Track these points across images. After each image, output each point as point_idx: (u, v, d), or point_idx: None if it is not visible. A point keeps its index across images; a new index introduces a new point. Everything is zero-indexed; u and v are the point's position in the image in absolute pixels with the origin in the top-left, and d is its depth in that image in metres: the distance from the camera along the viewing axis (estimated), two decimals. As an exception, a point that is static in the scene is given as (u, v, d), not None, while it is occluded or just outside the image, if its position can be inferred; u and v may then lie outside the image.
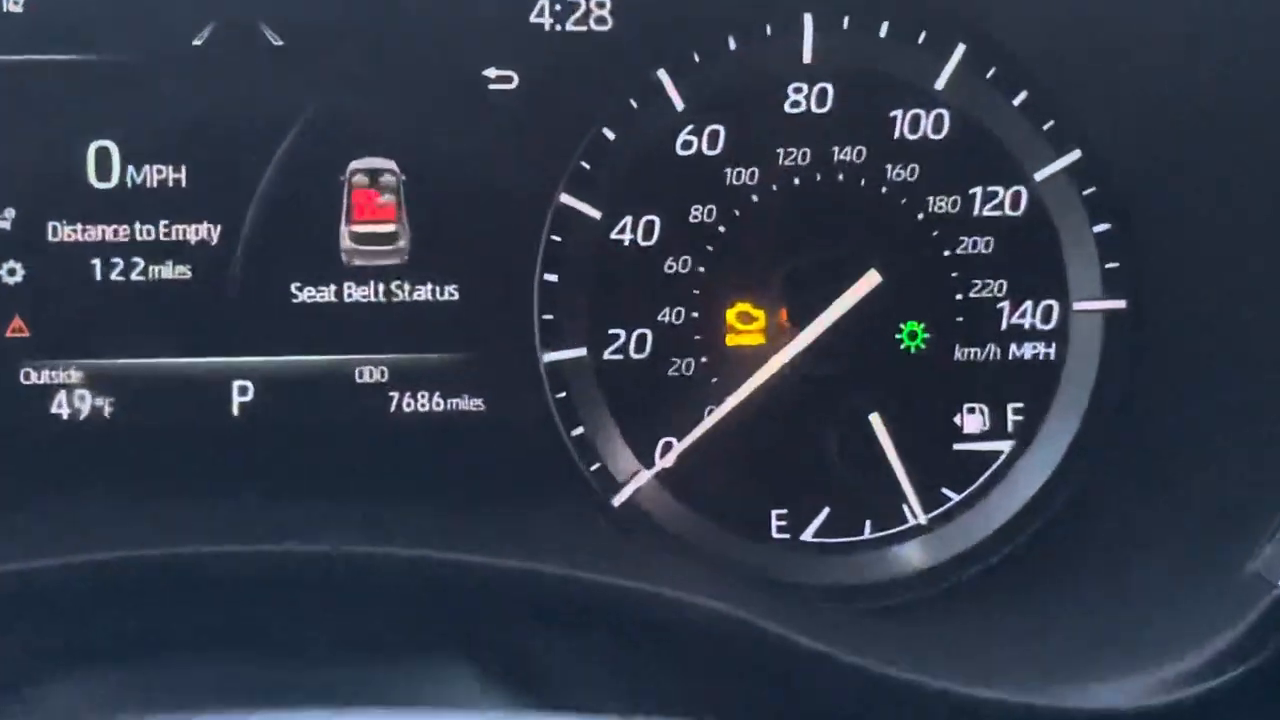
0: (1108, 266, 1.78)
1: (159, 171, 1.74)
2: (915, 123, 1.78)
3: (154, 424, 1.75)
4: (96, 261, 1.74)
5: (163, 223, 1.74)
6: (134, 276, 1.75)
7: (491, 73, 1.75)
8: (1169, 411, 1.74)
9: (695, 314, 1.78)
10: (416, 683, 1.47)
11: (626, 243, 1.77)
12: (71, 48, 1.72)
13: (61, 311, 1.74)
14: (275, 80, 1.73)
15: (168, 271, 1.75)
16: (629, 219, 1.77)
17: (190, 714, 0.98)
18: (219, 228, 1.74)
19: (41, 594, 1.48)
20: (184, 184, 1.74)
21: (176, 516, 1.61)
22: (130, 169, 1.73)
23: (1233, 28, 1.58)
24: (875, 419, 1.78)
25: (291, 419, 1.76)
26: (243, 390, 1.76)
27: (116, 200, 1.73)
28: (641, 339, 1.78)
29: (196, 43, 1.72)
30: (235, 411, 1.76)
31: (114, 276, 1.75)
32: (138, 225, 1.74)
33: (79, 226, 1.74)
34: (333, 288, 1.76)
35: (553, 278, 1.77)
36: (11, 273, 1.72)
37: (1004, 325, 1.79)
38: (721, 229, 1.77)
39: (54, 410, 1.75)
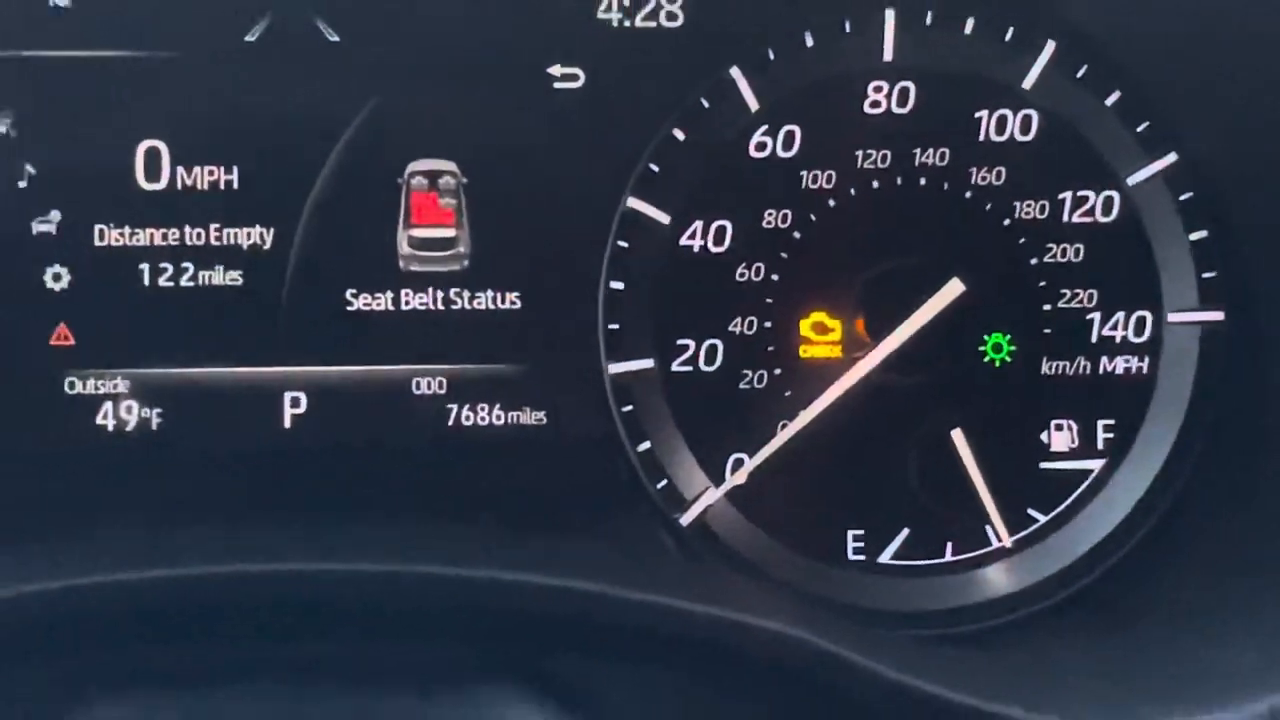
0: (1204, 276, 1.76)
1: (209, 173, 1.74)
2: (1002, 124, 1.76)
3: (202, 437, 1.75)
4: (145, 266, 1.75)
5: (213, 226, 1.74)
6: (183, 282, 1.75)
7: (557, 70, 1.75)
8: (1269, 429, 1.72)
9: (768, 324, 1.76)
10: (471, 711, 1.46)
11: (696, 249, 1.76)
12: (119, 44, 1.73)
13: (108, 319, 1.74)
14: (331, 77, 1.73)
15: (218, 277, 1.76)
16: (699, 224, 1.76)
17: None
18: (271, 232, 1.75)
19: (83, 615, 1.48)
20: (235, 186, 1.74)
21: (224, 534, 1.61)
22: (180, 170, 1.74)
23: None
24: (957, 435, 1.76)
25: (345, 432, 1.76)
26: (295, 402, 1.76)
27: (165, 203, 1.73)
28: (711, 350, 1.77)
29: (249, 38, 1.73)
30: (287, 424, 1.76)
31: (162, 282, 1.75)
32: (187, 229, 1.74)
33: (126, 230, 1.74)
34: (389, 295, 1.76)
35: (619, 285, 1.76)
36: (57, 278, 1.74)
37: (1094, 338, 1.77)
38: (796, 235, 1.75)
39: (99, 421, 1.75)
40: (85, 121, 1.73)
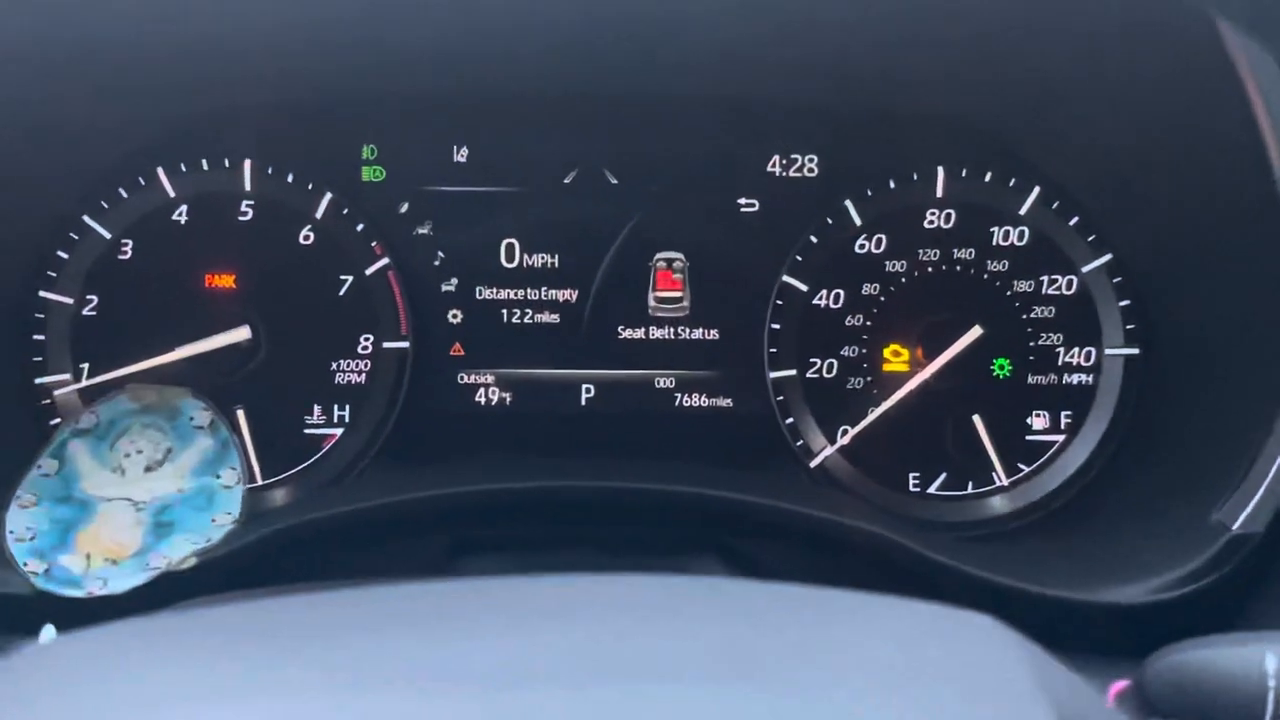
0: (1128, 327, 1.82)
1: (542, 258, 1.86)
2: (1006, 235, 1.84)
3: (535, 409, 1.87)
4: (504, 311, 1.87)
5: (543, 288, 1.86)
6: (526, 320, 1.87)
7: (742, 201, 1.86)
8: (1164, 419, 1.75)
9: (864, 350, 1.84)
10: (681, 570, 1.44)
11: (823, 306, 1.85)
12: (491, 183, 1.85)
13: (483, 340, 1.87)
14: (612, 204, 1.86)
15: (545, 317, 1.87)
16: (824, 291, 1.85)
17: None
18: (576, 292, 1.87)
19: (463, 508, 1.57)
20: (557, 265, 1.87)
21: (545, 464, 1.74)
22: (525, 256, 1.86)
23: (1219, 188, 1.55)
24: (976, 419, 1.82)
25: (615, 408, 1.86)
26: (587, 390, 1.87)
27: (517, 275, 1.87)
28: (830, 365, 1.85)
29: (566, 181, 1.86)
30: (583, 402, 1.87)
31: (514, 320, 1.87)
32: (528, 290, 1.86)
33: (494, 290, 1.87)
34: (643, 329, 1.87)
35: (776, 326, 1.85)
36: (455, 316, 1.87)
37: (1060, 362, 1.83)
38: (882, 299, 1.85)
39: (477, 399, 1.87)
40: (473, 226, 1.85)
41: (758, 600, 0.92)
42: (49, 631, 1.28)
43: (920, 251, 1.82)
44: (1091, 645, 1.26)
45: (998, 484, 1.81)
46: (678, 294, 1.84)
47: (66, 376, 1.77)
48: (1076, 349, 1.81)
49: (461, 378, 1.84)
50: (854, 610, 0.90)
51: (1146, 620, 1.39)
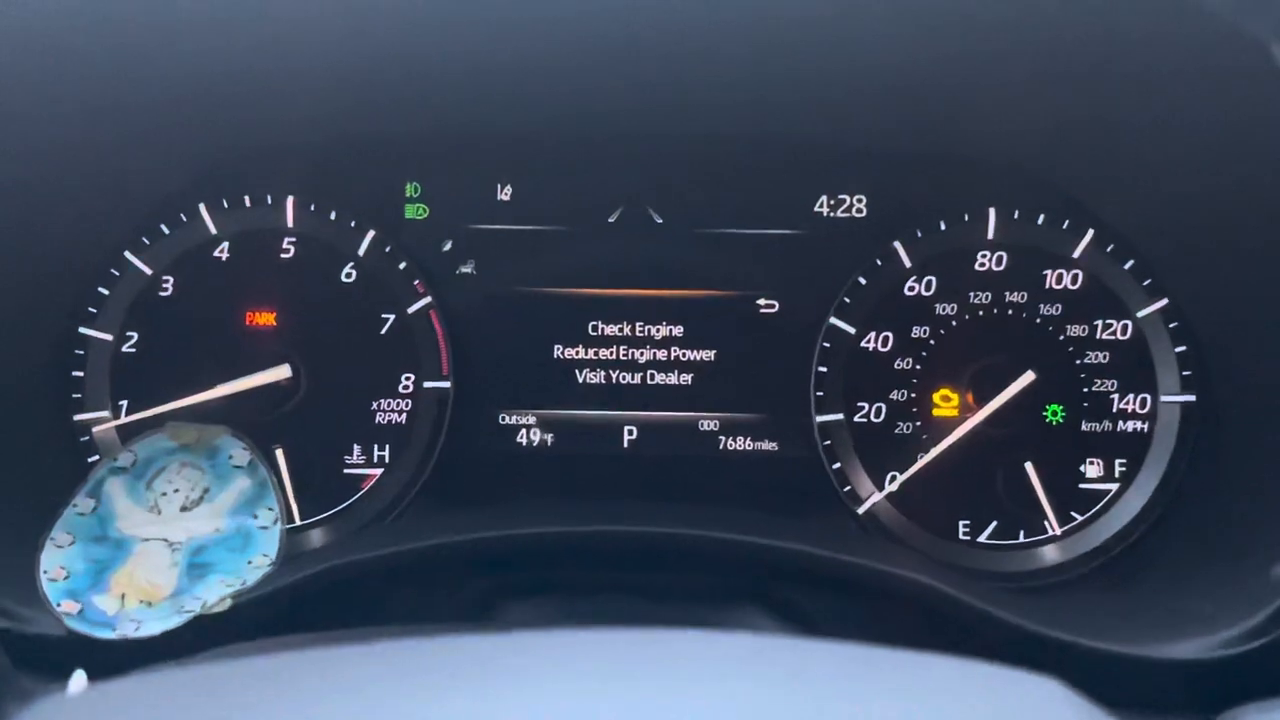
0: (1184, 373, 1.80)
1: None
2: (1059, 278, 1.82)
3: (576, 450, 1.86)
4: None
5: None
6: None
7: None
8: (1222, 468, 1.72)
9: (913, 394, 1.83)
10: (725, 620, 1.49)
11: (871, 349, 1.84)
12: (534, 222, 1.86)
13: (523, 380, 1.85)
14: (656, 241, 1.85)
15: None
16: (873, 333, 1.84)
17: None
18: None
19: (503, 551, 1.54)
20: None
21: (588, 507, 1.72)
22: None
23: (1277, 234, 1.53)
24: (1029, 466, 1.80)
25: (658, 450, 1.86)
26: (630, 432, 1.85)
27: None
28: (879, 409, 1.83)
29: (611, 220, 1.86)
30: (625, 445, 1.86)
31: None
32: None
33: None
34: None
35: (823, 369, 1.84)
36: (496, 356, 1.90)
37: (1115, 409, 1.81)
38: (932, 342, 1.83)
39: (518, 440, 1.87)
40: (515, 265, 1.84)
41: (816, 660, 0.91)
42: (80, 678, 1.25)
43: (971, 294, 1.81)
44: (1149, 702, 1.26)
45: (1050, 533, 1.79)
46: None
47: (105, 413, 1.77)
48: (1131, 395, 1.79)
49: (503, 418, 1.83)
50: (917, 673, 0.89)
51: (1203, 677, 1.36)
